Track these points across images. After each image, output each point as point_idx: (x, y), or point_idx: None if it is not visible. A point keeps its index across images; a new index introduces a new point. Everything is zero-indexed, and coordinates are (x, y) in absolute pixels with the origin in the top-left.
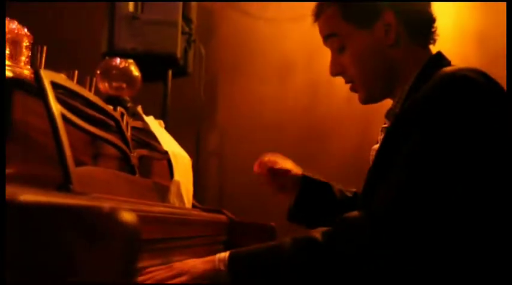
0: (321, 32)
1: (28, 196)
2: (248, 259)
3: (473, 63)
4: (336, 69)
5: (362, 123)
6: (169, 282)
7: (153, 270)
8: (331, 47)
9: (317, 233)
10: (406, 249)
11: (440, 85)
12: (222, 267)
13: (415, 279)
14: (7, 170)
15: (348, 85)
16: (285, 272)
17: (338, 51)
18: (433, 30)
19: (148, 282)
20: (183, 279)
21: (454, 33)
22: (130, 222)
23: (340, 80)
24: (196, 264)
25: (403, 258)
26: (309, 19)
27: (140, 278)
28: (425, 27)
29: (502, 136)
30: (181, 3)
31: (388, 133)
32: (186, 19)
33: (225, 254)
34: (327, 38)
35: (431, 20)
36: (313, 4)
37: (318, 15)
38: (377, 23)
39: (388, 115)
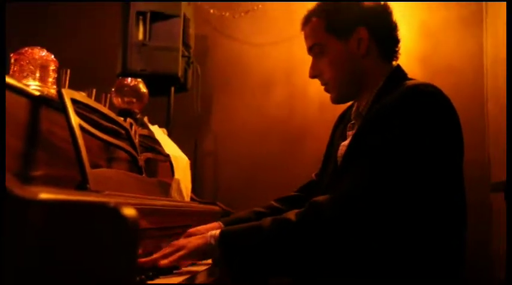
0: (306, 40)
1: (46, 194)
2: (234, 235)
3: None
4: (314, 72)
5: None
6: (172, 257)
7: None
8: (312, 53)
9: (292, 214)
10: (361, 226)
11: (405, 96)
12: (213, 242)
13: (368, 253)
14: (36, 172)
15: (320, 97)
16: (265, 246)
17: (317, 56)
18: (397, 49)
19: (156, 256)
20: (181, 253)
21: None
22: (131, 216)
23: (313, 92)
24: (191, 240)
25: (359, 234)
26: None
27: (147, 258)
28: (392, 45)
29: (449, 136)
30: (181, 32)
31: (358, 132)
32: (186, 45)
33: (215, 231)
34: (311, 47)
35: (397, 41)
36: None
37: (305, 24)
38: (352, 37)
39: (356, 116)
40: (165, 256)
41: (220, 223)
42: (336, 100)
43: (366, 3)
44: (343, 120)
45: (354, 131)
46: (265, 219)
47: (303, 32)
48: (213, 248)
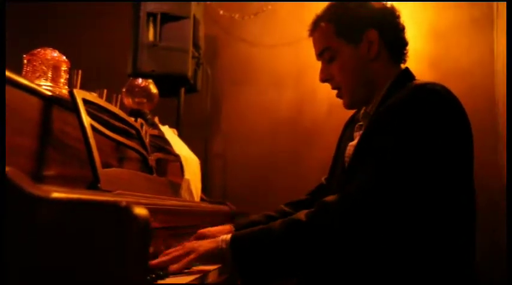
0: (315, 45)
1: (58, 193)
2: (245, 239)
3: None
4: (325, 76)
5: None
6: (182, 260)
7: (169, 251)
8: (322, 58)
9: (301, 214)
10: (370, 225)
11: (412, 95)
12: (224, 246)
13: (377, 253)
14: (48, 172)
15: (329, 98)
16: (276, 248)
17: (328, 61)
18: (405, 51)
19: (166, 259)
20: (192, 257)
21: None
22: (142, 215)
23: (322, 94)
24: (202, 243)
25: (366, 233)
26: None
27: (157, 259)
28: (401, 48)
29: (457, 135)
30: (191, 33)
31: (365, 132)
32: (196, 46)
33: (226, 236)
34: (322, 52)
35: (405, 43)
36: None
37: (313, 29)
38: (363, 40)
39: (364, 116)
40: (176, 260)
41: (231, 226)
42: (349, 106)
43: (374, 4)
44: (351, 124)
45: (361, 131)
46: (275, 221)
47: (311, 38)
48: (224, 252)
